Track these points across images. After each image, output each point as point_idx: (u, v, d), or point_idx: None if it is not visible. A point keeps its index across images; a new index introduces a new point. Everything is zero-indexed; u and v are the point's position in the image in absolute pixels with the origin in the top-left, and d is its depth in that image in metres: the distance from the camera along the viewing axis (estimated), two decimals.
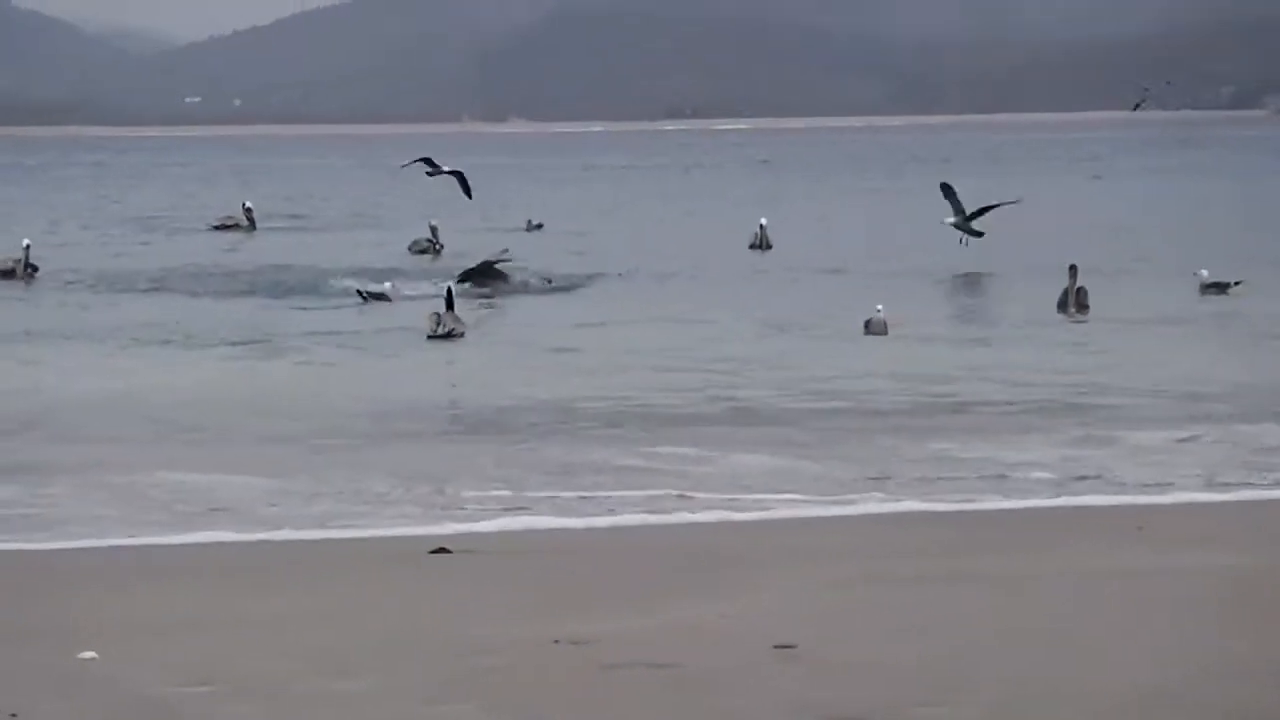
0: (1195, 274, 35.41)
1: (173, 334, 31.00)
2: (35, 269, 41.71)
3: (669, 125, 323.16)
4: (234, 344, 29.59)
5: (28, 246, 41.98)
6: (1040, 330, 30.14)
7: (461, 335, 28.92)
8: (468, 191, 47.73)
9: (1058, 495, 16.90)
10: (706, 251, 45.31)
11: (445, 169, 45.57)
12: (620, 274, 40.54)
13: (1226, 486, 17.12)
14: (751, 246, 47.23)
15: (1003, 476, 17.75)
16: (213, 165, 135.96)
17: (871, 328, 28.50)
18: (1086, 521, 15.44)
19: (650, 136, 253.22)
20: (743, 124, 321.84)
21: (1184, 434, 19.99)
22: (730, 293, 36.89)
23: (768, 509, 16.41)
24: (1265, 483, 17.34)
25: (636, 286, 38.87)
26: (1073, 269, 31.97)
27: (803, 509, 16.33)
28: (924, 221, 58.98)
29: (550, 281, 38.42)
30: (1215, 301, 34.19)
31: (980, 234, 40.85)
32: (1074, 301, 31.66)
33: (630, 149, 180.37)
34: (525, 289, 37.99)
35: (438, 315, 29.05)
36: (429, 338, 28.96)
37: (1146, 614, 11.51)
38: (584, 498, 16.88)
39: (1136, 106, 39.65)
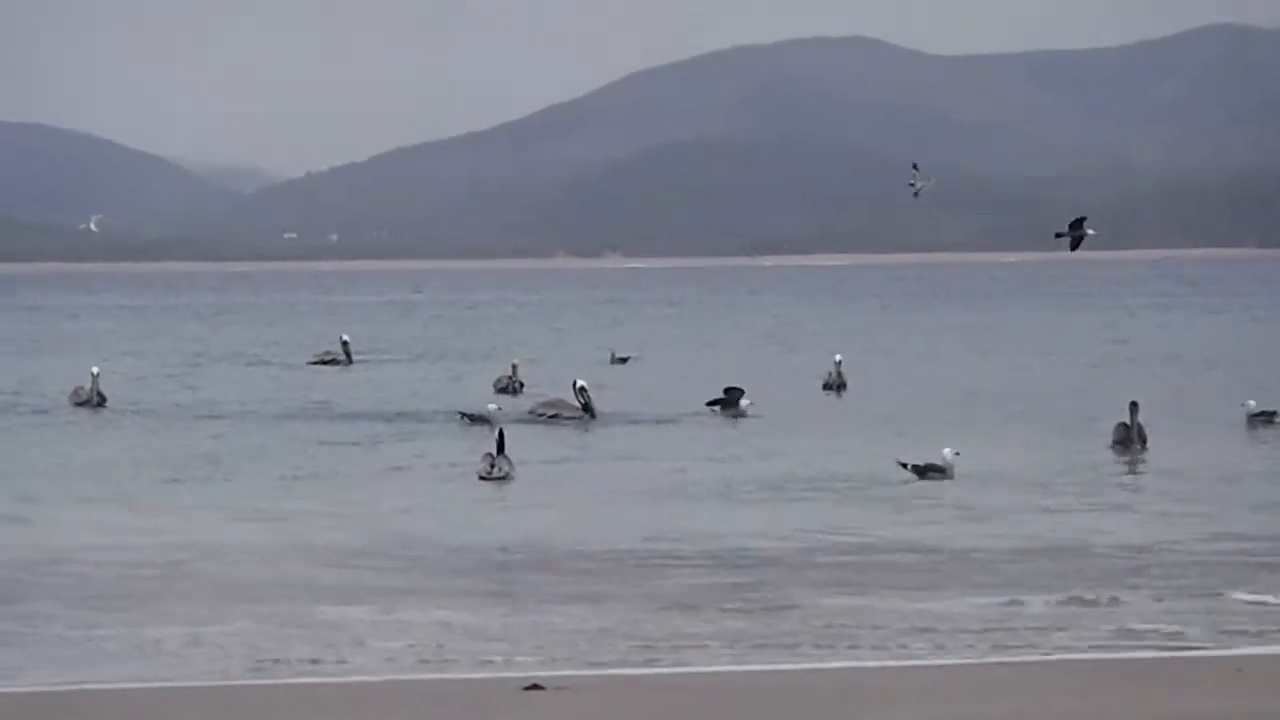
0: (1243, 405, 35.99)
1: (226, 469, 31.28)
2: (104, 398, 42.18)
3: (765, 260, 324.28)
4: (294, 479, 29.93)
5: (96, 374, 42.50)
6: (1100, 473, 30.04)
7: (509, 478, 29.01)
8: None
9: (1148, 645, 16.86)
10: (781, 389, 45.30)
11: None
12: (695, 413, 40.14)
13: None
14: (825, 386, 46.58)
15: (1100, 626, 17.64)
16: (308, 300, 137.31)
17: (944, 471, 28.28)
18: (1186, 668, 15.50)
19: (747, 272, 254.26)
20: (841, 259, 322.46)
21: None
22: (795, 432, 36.65)
23: (842, 655, 16.43)
24: None
25: (706, 423, 38.64)
26: (1134, 405, 32.17)
27: (870, 657, 16.33)
28: (999, 357, 59.48)
29: (591, 414, 38.74)
30: (1264, 431, 34.83)
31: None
32: (1137, 438, 31.82)
33: (724, 284, 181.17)
34: (589, 424, 38.24)
35: (491, 457, 29.20)
36: (480, 479, 29.12)
37: None
38: (663, 642, 16.98)
39: (915, 191, 38.03)
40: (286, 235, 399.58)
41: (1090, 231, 31.18)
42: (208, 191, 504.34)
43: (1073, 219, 30.74)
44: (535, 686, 14.43)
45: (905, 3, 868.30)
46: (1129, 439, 31.84)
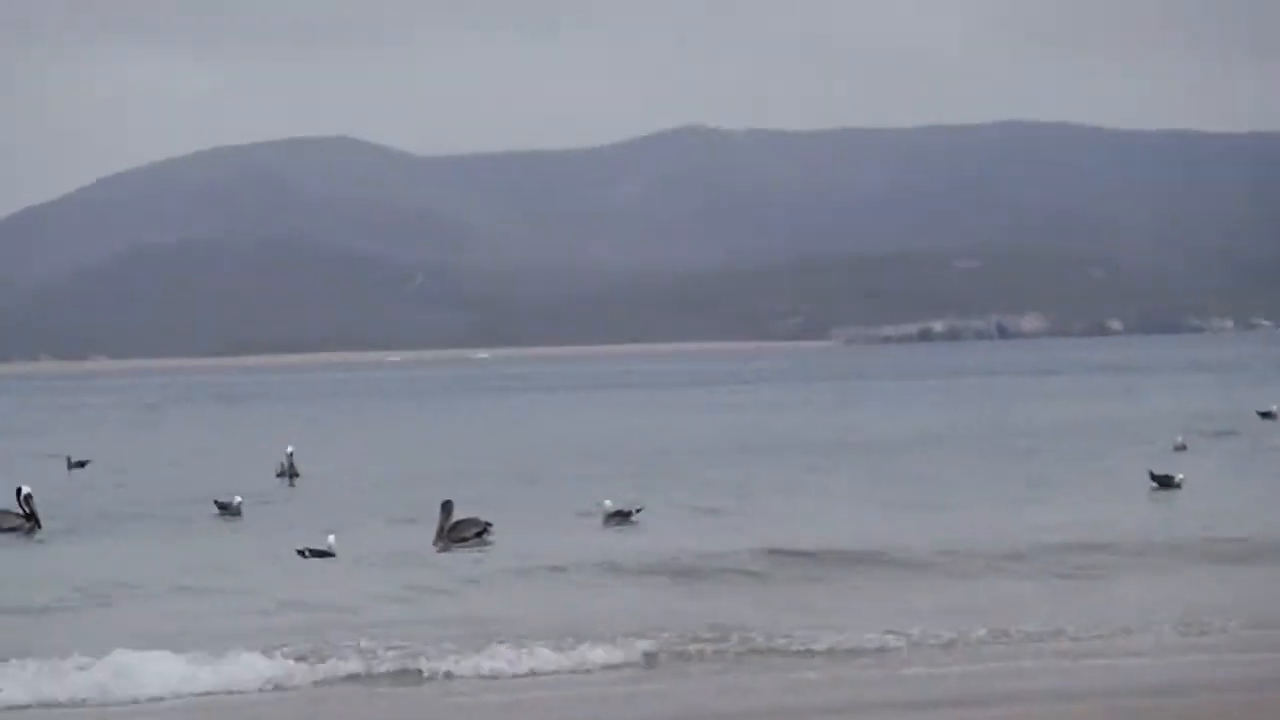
0: (598, 504, 36.22)
1: None
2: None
3: (247, 360, 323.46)
4: None
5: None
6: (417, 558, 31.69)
7: None
8: None
9: None
10: (233, 480, 46.84)
11: None
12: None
13: None
14: (279, 474, 49.10)
15: None
16: None
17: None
18: None
19: (237, 371, 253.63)
20: (321, 358, 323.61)
21: None
22: (256, 523, 37.95)
23: None
24: None
25: (164, 527, 38.08)
26: (446, 505, 33.56)
27: None
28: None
29: (35, 523, 36.85)
30: (621, 530, 35.05)
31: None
32: (446, 535, 33.03)
33: (209, 384, 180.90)
34: (33, 533, 36.60)
35: None
36: None
37: None
38: None
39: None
40: None
41: None
42: None
43: None
44: None
45: (382, 104, 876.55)
46: (438, 535, 33.01)
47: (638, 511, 36.01)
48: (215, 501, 39.71)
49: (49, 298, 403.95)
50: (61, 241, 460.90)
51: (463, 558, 31.35)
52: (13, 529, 36.71)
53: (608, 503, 36.21)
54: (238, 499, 39.50)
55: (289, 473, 49.25)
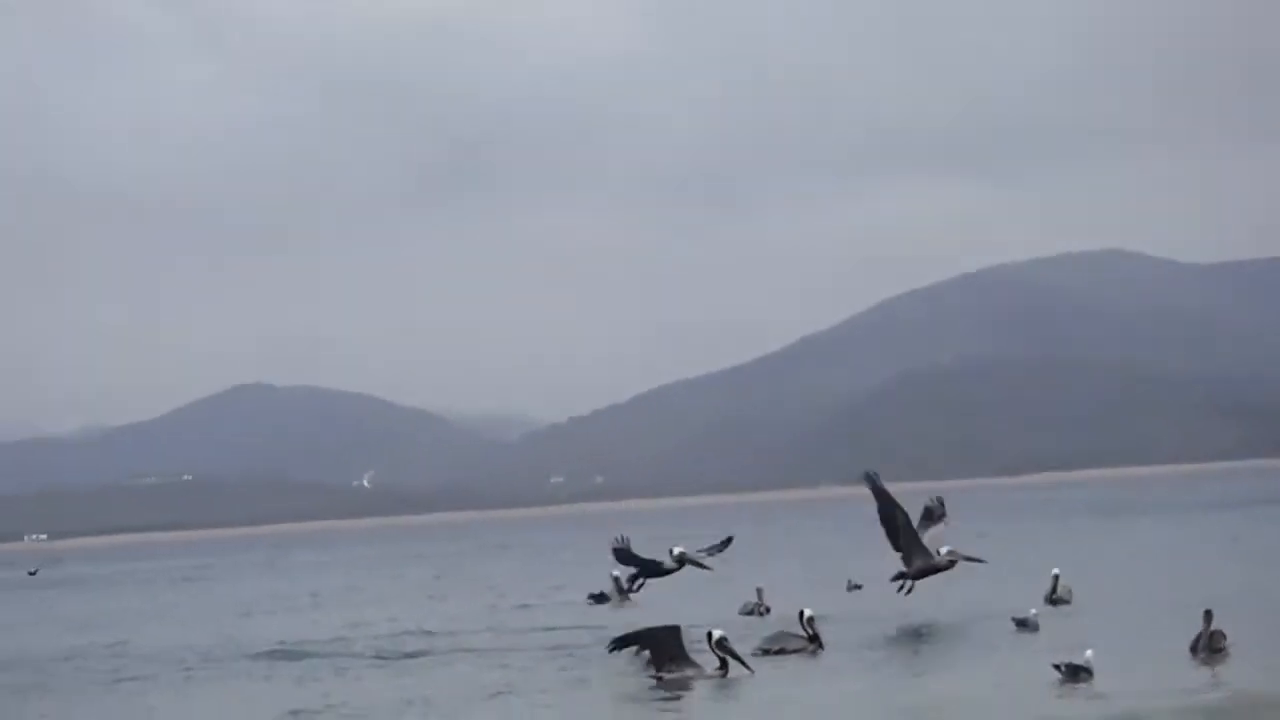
0: None
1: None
2: None
3: (1029, 478, 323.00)
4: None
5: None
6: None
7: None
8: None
9: None
10: (1004, 600, 46.73)
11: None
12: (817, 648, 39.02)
13: None
14: (1046, 600, 47.76)
15: None
16: (580, 542, 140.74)
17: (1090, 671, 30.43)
18: None
19: (1009, 491, 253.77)
20: (1095, 473, 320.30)
21: None
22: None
23: None
24: None
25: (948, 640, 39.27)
26: (1208, 614, 32.74)
27: None
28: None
29: (818, 644, 38.29)
30: None
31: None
32: (1206, 645, 32.43)
33: (990, 505, 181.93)
34: (817, 654, 37.62)
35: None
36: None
37: None
38: None
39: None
40: (553, 480, 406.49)
41: None
42: (474, 442, 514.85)
43: None
44: None
45: (1150, 214, 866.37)
46: (1197, 646, 32.60)
47: None
48: (1013, 618, 41.03)
49: (822, 426, 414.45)
50: (835, 368, 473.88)
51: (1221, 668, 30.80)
52: (798, 650, 38.18)
53: None
54: (1033, 611, 40.85)
55: (1053, 598, 48.25)
